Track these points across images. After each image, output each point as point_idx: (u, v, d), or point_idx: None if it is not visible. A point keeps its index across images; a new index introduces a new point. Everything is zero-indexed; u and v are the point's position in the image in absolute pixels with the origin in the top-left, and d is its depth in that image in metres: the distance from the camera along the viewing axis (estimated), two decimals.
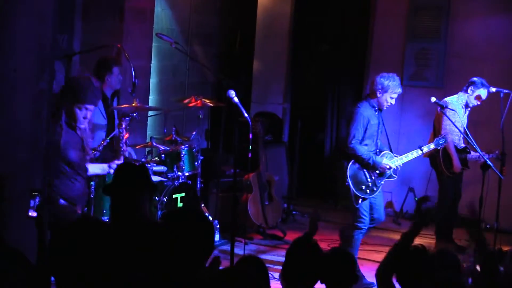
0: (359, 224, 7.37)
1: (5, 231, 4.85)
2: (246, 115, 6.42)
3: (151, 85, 9.81)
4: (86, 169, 6.23)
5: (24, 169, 5.12)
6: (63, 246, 2.96)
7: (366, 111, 7.25)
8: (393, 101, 7.33)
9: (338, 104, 11.15)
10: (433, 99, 7.82)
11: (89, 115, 6.10)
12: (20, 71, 5.08)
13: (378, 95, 7.28)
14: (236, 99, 6.41)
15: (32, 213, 4.32)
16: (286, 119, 11.35)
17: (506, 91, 8.32)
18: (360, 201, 7.29)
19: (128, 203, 4.43)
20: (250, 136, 6.50)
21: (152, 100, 9.97)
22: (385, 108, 7.34)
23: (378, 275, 4.40)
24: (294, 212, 10.10)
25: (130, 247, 3.79)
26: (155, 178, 7.66)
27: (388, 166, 7.30)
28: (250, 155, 6.76)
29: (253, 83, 11.61)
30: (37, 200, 4.38)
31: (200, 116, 8.80)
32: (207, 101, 8.42)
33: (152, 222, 4.47)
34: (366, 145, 7.24)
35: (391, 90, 7.26)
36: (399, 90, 7.32)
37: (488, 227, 8.81)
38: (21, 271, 3.93)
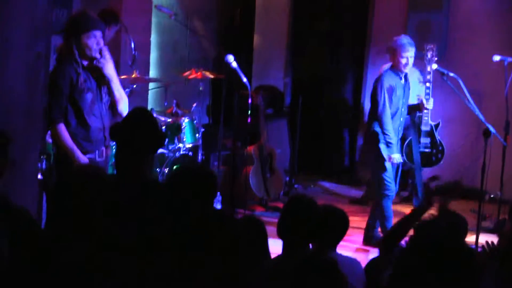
0: (386, 192, 7.39)
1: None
2: (244, 80, 6.37)
3: (151, 60, 9.74)
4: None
5: (19, 137, 5.06)
6: (66, 192, 2.91)
7: None
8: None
9: (339, 78, 11.06)
10: (435, 66, 7.74)
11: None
12: (12, 40, 5.02)
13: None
14: (234, 64, 6.36)
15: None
16: (287, 94, 11.27)
17: (511, 59, 8.23)
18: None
19: (134, 153, 4.11)
20: (249, 101, 6.45)
21: (153, 75, 9.88)
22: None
23: (383, 244, 4.35)
24: (296, 186, 10.04)
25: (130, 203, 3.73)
26: None
27: None
28: (249, 120, 6.70)
29: (254, 58, 11.52)
30: (43, 163, 4.33)
31: (201, 88, 8.76)
32: (207, 73, 8.38)
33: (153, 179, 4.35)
34: None
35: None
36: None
37: (492, 197, 8.73)
38: (29, 231, 3.89)
